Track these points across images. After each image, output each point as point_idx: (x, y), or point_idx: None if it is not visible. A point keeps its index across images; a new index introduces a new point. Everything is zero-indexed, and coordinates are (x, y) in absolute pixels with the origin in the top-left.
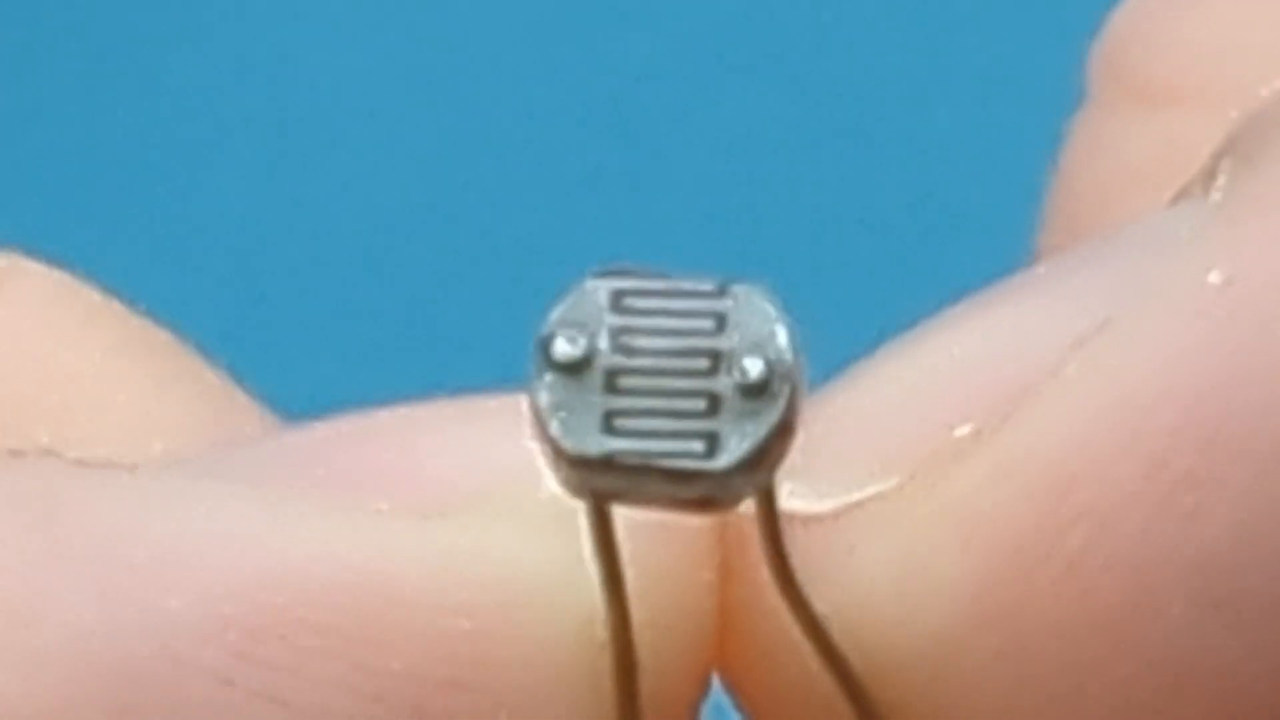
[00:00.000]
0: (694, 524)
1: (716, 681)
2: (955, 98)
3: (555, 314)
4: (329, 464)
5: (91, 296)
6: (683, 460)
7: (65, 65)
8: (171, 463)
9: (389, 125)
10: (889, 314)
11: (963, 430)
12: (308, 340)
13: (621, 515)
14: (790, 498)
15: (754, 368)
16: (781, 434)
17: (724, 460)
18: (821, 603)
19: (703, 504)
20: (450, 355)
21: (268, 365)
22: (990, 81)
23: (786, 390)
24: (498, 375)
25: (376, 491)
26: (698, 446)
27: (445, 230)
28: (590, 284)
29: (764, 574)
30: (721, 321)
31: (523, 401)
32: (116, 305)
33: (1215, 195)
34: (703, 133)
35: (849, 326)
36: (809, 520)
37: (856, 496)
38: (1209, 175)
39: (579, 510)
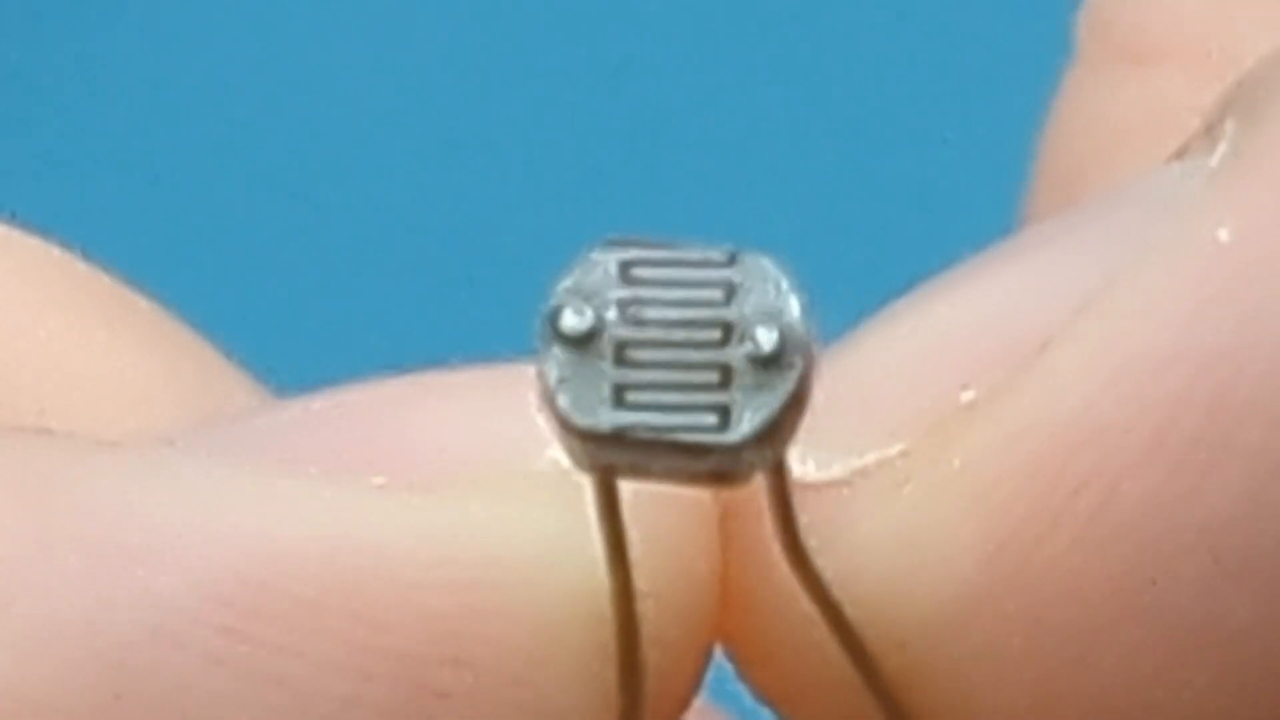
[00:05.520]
0: (695, 492)
1: (719, 651)
2: (942, 61)
3: (562, 285)
4: (322, 438)
5: (74, 266)
6: (694, 434)
7: (47, 43)
8: (162, 438)
9: (380, 99)
10: (888, 279)
11: (969, 395)
12: (301, 315)
13: (625, 486)
14: (795, 464)
15: (767, 339)
16: (795, 406)
17: (737, 433)
18: (828, 571)
19: (715, 478)
20: (446, 331)
21: (262, 340)
22: (978, 44)
23: (800, 361)
24: (489, 353)
25: (371, 466)
26: (710, 419)
27: (439, 205)
28: (597, 255)
29: (766, 541)
30: (731, 291)
31: (520, 371)
32: (99, 275)
33: (1220, 153)
34: (700, 106)
35: (847, 294)
36: (814, 487)
37: (862, 463)
38: (1212, 133)
39: (582, 483)
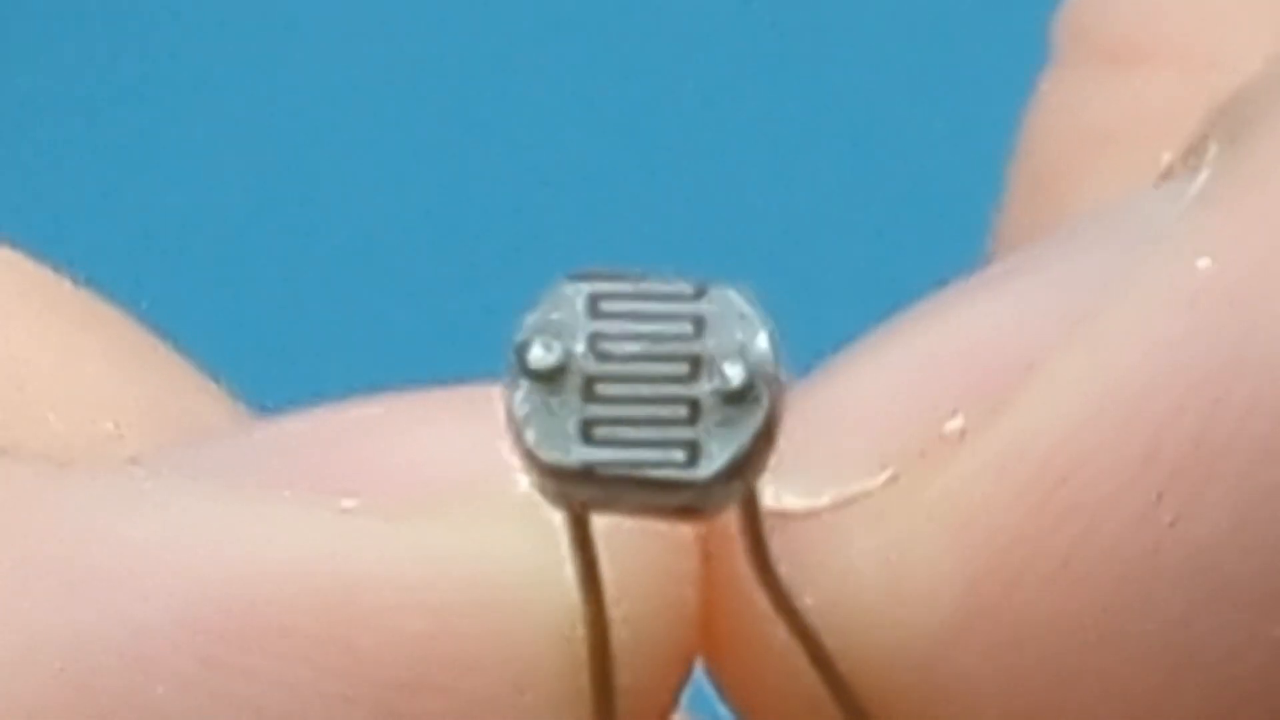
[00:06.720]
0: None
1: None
2: (927, 66)
3: (530, 319)
4: (297, 461)
5: (40, 273)
6: (663, 470)
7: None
8: (136, 460)
9: (363, 113)
10: (865, 304)
11: (952, 424)
12: (279, 333)
13: (599, 516)
14: (777, 494)
15: (735, 373)
16: (763, 440)
17: (706, 469)
18: (809, 600)
19: (684, 513)
20: (422, 350)
21: (240, 357)
22: (957, 47)
23: (768, 396)
24: (466, 372)
25: (346, 489)
26: (678, 455)
27: (418, 227)
28: (566, 288)
29: (745, 565)
30: (700, 325)
31: (494, 392)
32: (73, 288)
33: (1201, 178)
34: (681, 132)
35: (823, 322)
36: (796, 517)
37: (845, 492)
38: (1194, 154)
39: (556, 514)
